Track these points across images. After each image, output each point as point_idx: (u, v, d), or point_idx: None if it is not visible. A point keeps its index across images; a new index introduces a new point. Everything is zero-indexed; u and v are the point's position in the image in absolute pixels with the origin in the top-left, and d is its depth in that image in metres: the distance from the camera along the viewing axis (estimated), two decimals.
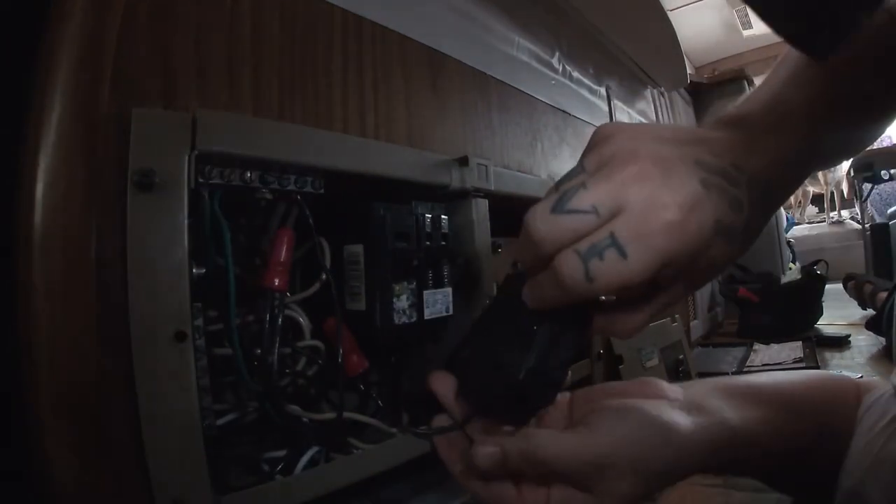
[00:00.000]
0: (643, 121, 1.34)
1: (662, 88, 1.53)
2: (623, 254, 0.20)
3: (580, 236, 0.21)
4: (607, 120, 1.07)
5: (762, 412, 0.30)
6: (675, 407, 0.28)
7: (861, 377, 0.35)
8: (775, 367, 1.17)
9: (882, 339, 1.26)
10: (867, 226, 2.41)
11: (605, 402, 0.28)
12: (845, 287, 1.82)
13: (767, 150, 0.24)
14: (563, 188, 0.23)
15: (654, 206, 0.21)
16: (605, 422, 0.26)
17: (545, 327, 0.24)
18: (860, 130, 0.29)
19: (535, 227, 0.22)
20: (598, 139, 0.25)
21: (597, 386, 0.32)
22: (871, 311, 1.51)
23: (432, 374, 0.28)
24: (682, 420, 0.27)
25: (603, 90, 1.07)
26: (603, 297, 0.25)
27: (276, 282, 0.41)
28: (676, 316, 1.11)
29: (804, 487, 0.33)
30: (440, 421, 0.28)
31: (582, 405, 0.30)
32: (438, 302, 0.49)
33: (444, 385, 0.27)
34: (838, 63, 0.25)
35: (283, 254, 0.42)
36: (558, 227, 0.22)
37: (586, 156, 0.25)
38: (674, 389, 0.29)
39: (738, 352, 1.36)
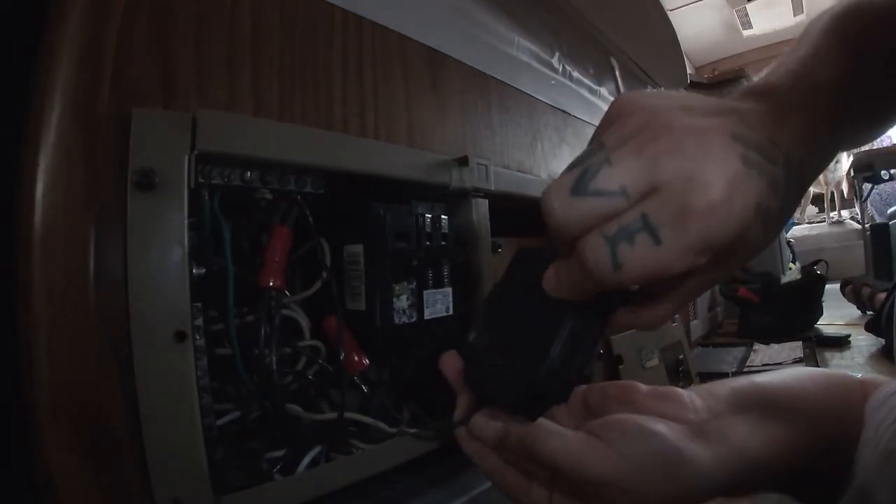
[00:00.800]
0: None
1: (662, 88, 1.53)
2: (656, 239, 0.18)
3: (607, 219, 0.19)
4: None
5: (783, 432, 0.28)
6: (694, 435, 0.26)
7: (861, 376, 0.35)
8: (775, 368, 1.16)
9: (882, 340, 1.26)
10: (867, 226, 2.41)
11: (622, 417, 0.26)
12: (843, 292, 1.82)
13: (799, 123, 0.22)
14: (584, 165, 0.20)
15: (694, 185, 0.18)
16: (621, 441, 0.24)
17: (568, 322, 0.22)
18: (888, 107, 0.27)
19: (552, 212, 0.20)
20: (619, 110, 0.22)
21: (615, 384, 0.29)
22: (871, 314, 1.51)
23: (443, 355, 0.27)
24: (700, 453, 0.25)
25: (604, 90, 1.07)
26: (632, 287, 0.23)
27: (272, 281, 0.41)
28: (676, 316, 1.11)
29: (808, 488, 0.33)
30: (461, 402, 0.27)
31: (597, 401, 0.29)
32: (438, 302, 0.49)
33: (453, 366, 0.26)
34: (861, 42, 0.23)
35: (279, 253, 0.42)
36: (580, 211, 0.19)
37: (604, 131, 0.22)
38: (694, 407, 0.27)
39: (738, 352, 1.36)
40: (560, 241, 0.21)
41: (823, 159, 0.24)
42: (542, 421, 0.25)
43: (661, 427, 0.25)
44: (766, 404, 0.29)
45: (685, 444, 0.25)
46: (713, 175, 0.18)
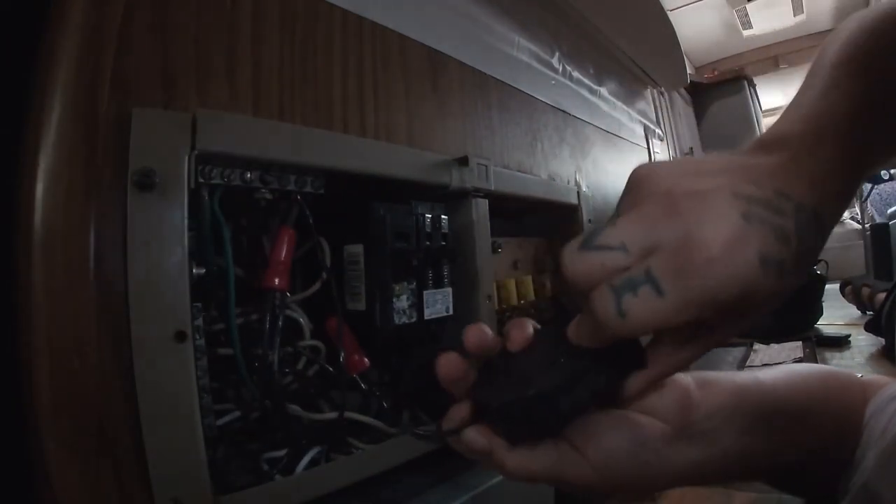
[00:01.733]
0: (643, 121, 1.34)
1: (662, 88, 1.53)
2: (659, 291, 0.20)
3: (613, 273, 0.21)
4: (606, 119, 1.07)
5: (772, 435, 0.29)
6: (676, 437, 0.26)
7: (861, 377, 0.35)
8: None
9: (882, 340, 1.26)
10: (867, 226, 2.41)
11: (601, 424, 0.26)
12: (843, 293, 1.82)
13: (813, 170, 0.23)
14: (596, 227, 0.23)
15: (691, 244, 0.20)
16: (597, 451, 0.25)
17: (571, 361, 0.24)
18: None
19: (564, 263, 0.22)
20: (633, 182, 0.24)
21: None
22: (871, 314, 1.51)
23: (441, 356, 0.27)
24: (686, 452, 0.26)
25: (604, 90, 1.07)
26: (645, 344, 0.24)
27: (277, 281, 0.41)
28: None
29: (809, 488, 0.33)
30: (453, 412, 0.27)
31: None
32: (438, 302, 0.49)
33: (450, 367, 0.26)
34: (877, 70, 0.23)
35: (284, 253, 0.42)
36: (586, 263, 0.21)
37: (622, 200, 0.24)
38: (691, 404, 0.28)
39: (738, 352, 1.36)
40: (579, 295, 0.23)
41: (843, 197, 0.24)
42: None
43: (637, 429, 0.26)
44: (765, 408, 0.29)
45: (663, 450, 0.26)
46: (710, 233, 0.20)
